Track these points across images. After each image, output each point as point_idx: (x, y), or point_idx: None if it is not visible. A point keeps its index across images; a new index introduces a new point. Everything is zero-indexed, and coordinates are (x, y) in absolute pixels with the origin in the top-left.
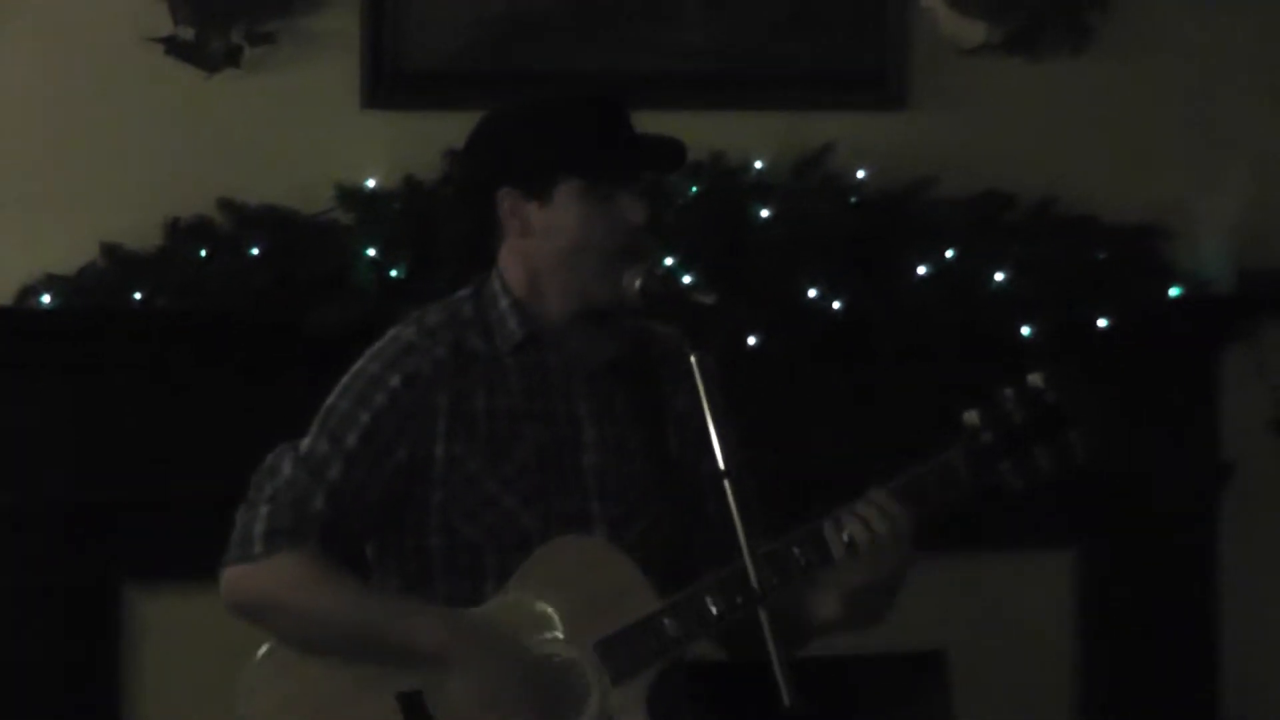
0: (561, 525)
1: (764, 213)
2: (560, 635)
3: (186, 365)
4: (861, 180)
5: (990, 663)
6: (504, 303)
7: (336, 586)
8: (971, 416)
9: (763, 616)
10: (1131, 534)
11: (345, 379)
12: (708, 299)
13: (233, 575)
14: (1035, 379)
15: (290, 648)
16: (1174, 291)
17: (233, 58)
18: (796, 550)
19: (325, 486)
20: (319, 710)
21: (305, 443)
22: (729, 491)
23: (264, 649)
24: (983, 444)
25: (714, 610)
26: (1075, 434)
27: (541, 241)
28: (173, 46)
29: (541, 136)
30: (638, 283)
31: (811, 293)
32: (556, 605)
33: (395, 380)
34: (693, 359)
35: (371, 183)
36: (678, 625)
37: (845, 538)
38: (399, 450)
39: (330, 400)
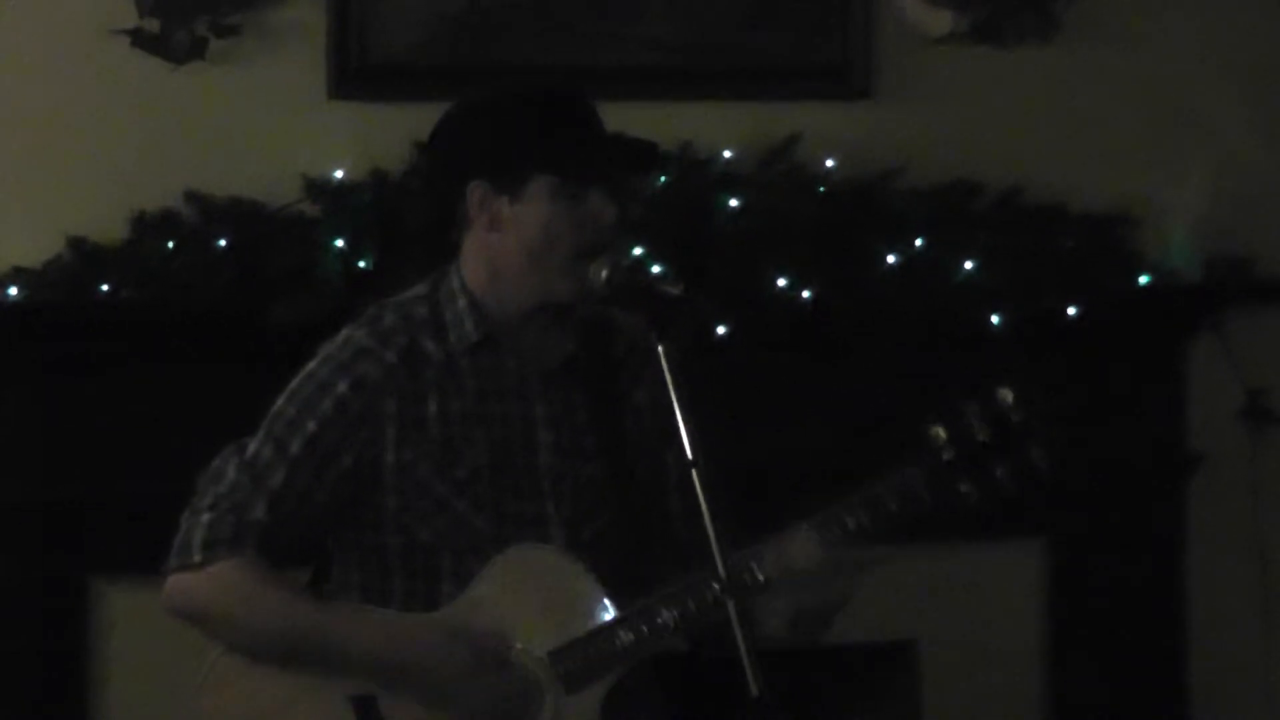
0: (516, 527)
1: (731, 203)
2: (515, 644)
3: (153, 359)
4: (829, 170)
5: (960, 653)
6: (461, 302)
7: (274, 598)
8: (938, 432)
9: (730, 607)
10: (1100, 524)
11: (294, 382)
12: (674, 290)
13: (173, 583)
14: (1004, 394)
15: (238, 653)
16: (1142, 280)
17: (198, 50)
18: (716, 585)
19: (266, 494)
20: (273, 710)
21: (251, 447)
22: (696, 482)
23: (208, 664)
24: (945, 463)
25: (669, 622)
26: (1038, 451)
27: (509, 236)
28: (138, 39)
29: (517, 131)
30: (604, 273)
31: (780, 283)
32: (511, 613)
33: (343, 386)
34: (660, 350)
35: (338, 174)
36: (632, 636)
37: (762, 577)
38: (344, 457)
39: (278, 404)
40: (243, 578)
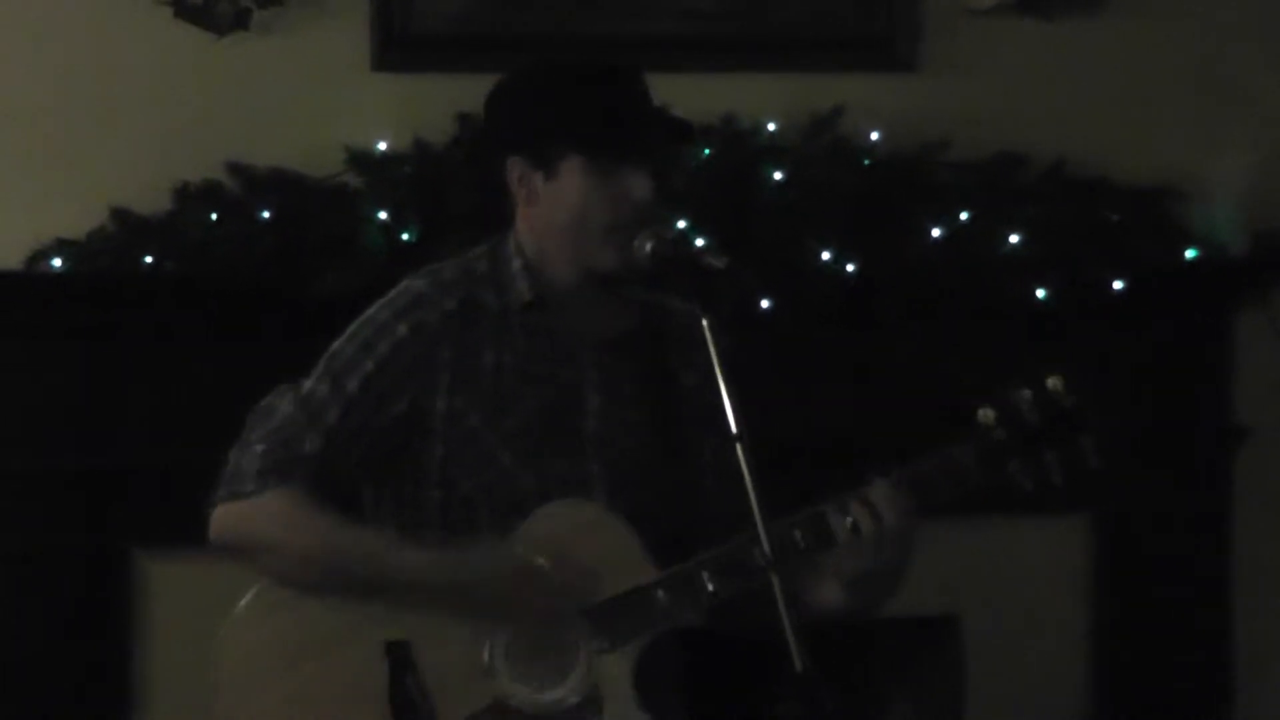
0: (558, 487)
1: (775, 176)
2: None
3: (196, 330)
4: (873, 143)
5: (1004, 628)
6: (516, 264)
7: (326, 521)
8: (986, 414)
9: (774, 581)
10: (1146, 498)
11: (354, 325)
12: (718, 262)
13: (223, 512)
14: (1055, 383)
15: (279, 584)
16: (1188, 254)
17: (241, 20)
18: (797, 533)
19: (321, 429)
20: (302, 654)
21: (307, 384)
22: (740, 455)
23: (244, 599)
24: (995, 441)
25: (709, 587)
26: (1087, 440)
27: (546, 211)
28: (181, 9)
29: (549, 109)
30: (648, 246)
31: (824, 255)
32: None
33: (402, 329)
34: (704, 323)
35: (381, 146)
36: (670, 599)
37: (849, 524)
38: (400, 400)
39: (336, 344)
40: (293, 504)
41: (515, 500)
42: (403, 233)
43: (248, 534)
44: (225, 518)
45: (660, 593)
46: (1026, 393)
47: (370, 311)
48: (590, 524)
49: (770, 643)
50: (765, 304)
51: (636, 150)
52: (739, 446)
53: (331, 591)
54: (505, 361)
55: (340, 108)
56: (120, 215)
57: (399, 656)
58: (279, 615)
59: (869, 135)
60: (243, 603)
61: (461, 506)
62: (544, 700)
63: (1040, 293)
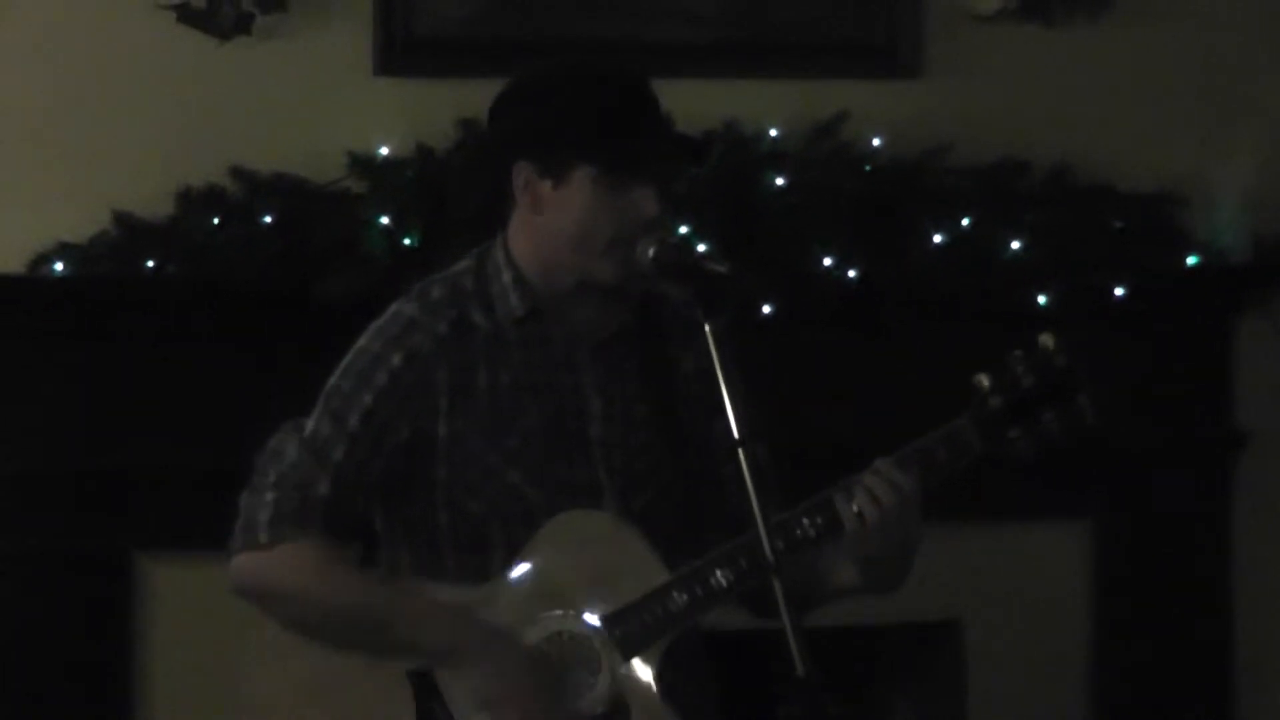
0: (568, 496)
1: (778, 181)
2: (570, 610)
3: (198, 334)
4: (876, 149)
5: (1004, 633)
6: (506, 276)
7: (342, 580)
8: (981, 380)
9: (776, 587)
10: (1147, 503)
11: (348, 357)
12: (721, 268)
13: (240, 563)
14: (1046, 340)
15: (294, 634)
16: (1190, 260)
17: (244, 25)
18: (806, 521)
19: (329, 470)
20: (329, 685)
21: (309, 424)
22: (743, 461)
23: (262, 635)
24: (991, 410)
25: (723, 582)
26: (1084, 398)
27: (551, 220)
28: (184, 14)
29: (565, 116)
30: (651, 251)
31: (826, 261)
32: (565, 580)
33: (397, 359)
34: (707, 328)
35: (384, 150)
36: (686, 597)
37: (855, 509)
38: (401, 429)
39: (333, 380)
40: (311, 560)
41: (525, 514)
42: (405, 237)
43: (268, 585)
44: (243, 568)
45: (676, 593)
46: (1019, 353)
47: (363, 341)
48: (600, 534)
49: (777, 644)
50: (767, 309)
51: (651, 168)
52: (740, 452)
53: (341, 645)
54: (501, 379)
55: (342, 112)
56: (122, 219)
57: (423, 685)
58: (300, 654)
59: (871, 141)
60: (262, 643)
61: (472, 527)
62: (570, 714)
63: (1042, 298)
